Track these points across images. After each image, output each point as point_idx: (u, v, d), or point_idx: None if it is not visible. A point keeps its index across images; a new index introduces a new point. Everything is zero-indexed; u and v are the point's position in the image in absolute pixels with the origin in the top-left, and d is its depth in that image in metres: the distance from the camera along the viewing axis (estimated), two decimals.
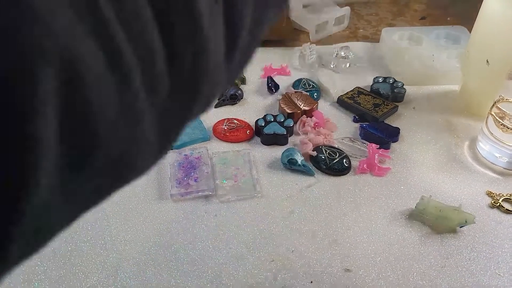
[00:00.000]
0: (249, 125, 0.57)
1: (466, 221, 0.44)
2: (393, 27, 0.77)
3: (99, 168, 0.15)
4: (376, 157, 0.51)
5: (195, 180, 0.48)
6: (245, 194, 0.48)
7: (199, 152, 0.52)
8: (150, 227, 0.44)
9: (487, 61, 0.53)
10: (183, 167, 0.50)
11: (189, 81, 0.17)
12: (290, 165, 0.51)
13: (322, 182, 0.50)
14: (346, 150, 0.53)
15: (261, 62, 0.69)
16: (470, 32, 0.59)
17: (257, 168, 0.51)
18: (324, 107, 0.61)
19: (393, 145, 0.55)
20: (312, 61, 0.68)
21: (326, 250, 0.43)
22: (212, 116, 0.59)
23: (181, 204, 0.47)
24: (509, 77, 0.49)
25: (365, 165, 0.51)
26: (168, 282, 0.40)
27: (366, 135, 0.55)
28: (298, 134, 0.56)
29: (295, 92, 0.60)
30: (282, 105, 0.58)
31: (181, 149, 0.53)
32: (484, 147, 0.53)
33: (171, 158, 0.51)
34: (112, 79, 0.14)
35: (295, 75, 0.67)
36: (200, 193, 0.47)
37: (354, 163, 0.52)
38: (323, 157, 0.51)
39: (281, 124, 0.55)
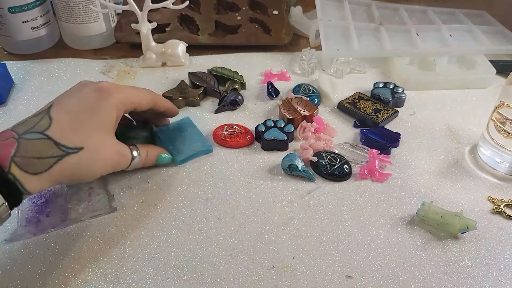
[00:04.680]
0: (249, 130, 0.57)
1: (467, 227, 0.43)
2: None
3: None
4: (376, 162, 0.51)
5: (47, 216, 0.45)
6: (99, 212, 0.46)
7: None
8: None
9: None
10: (33, 203, 0.46)
11: None
12: (290, 170, 0.50)
13: (322, 188, 0.50)
14: (347, 155, 0.53)
15: (261, 68, 0.69)
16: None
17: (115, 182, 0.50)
18: (325, 113, 0.61)
19: (393, 150, 0.54)
20: (312, 67, 0.68)
21: (327, 257, 0.42)
22: (212, 122, 0.59)
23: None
24: (509, 82, 0.49)
25: (365, 171, 0.51)
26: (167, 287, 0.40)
27: (366, 141, 0.55)
28: (298, 139, 0.56)
29: (295, 97, 0.60)
30: (282, 111, 0.58)
31: None
32: (485, 153, 0.53)
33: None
34: None
35: (295, 81, 0.67)
36: (54, 228, 0.44)
37: (355, 168, 0.52)
38: (323, 163, 0.51)
39: (281, 129, 0.55)
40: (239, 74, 0.66)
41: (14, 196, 0.36)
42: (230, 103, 0.60)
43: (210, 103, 0.63)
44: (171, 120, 0.58)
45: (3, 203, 0.36)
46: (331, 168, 0.51)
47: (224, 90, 0.63)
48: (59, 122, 0.40)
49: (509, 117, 0.48)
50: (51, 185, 0.39)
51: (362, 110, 0.59)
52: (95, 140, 0.41)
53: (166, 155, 0.51)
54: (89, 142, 0.40)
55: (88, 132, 0.41)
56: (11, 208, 0.37)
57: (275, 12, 0.80)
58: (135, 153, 0.47)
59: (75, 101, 0.42)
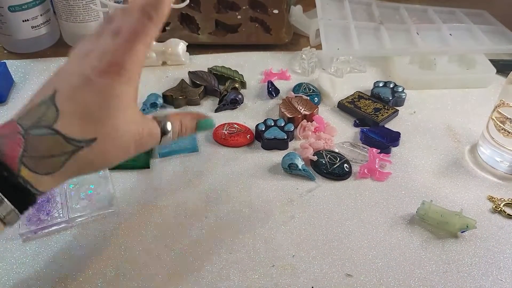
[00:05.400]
0: (249, 129, 0.57)
1: (467, 226, 0.43)
2: None
3: None
4: (376, 161, 0.51)
5: (48, 214, 0.45)
6: (100, 211, 0.46)
7: None
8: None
9: None
10: None
11: None
12: (290, 169, 0.50)
13: (322, 187, 0.50)
14: (347, 154, 0.53)
15: (261, 67, 0.70)
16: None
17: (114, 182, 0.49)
18: (325, 112, 0.61)
19: (393, 149, 0.54)
20: (312, 66, 0.68)
21: (327, 255, 0.42)
22: None
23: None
24: (509, 82, 0.49)
25: (365, 170, 0.51)
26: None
27: (366, 140, 0.55)
28: (298, 138, 0.56)
29: (296, 96, 0.60)
30: (283, 110, 0.58)
31: None
32: (485, 152, 0.53)
33: None
34: None
35: (295, 80, 0.67)
36: (54, 227, 0.44)
37: (355, 167, 0.52)
38: (323, 162, 0.51)
39: (281, 128, 0.55)
40: (239, 73, 0.66)
41: (25, 199, 0.34)
42: (230, 102, 0.60)
43: (210, 102, 0.63)
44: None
45: (11, 210, 0.33)
46: (331, 167, 0.51)
47: (224, 89, 0.63)
48: (67, 113, 0.34)
49: (509, 116, 0.48)
50: (66, 180, 0.36)
51: (362, 109, 0.59)
52: (109, 126, 0.36)
53: (205, 121, 0.43)
54: (103, 130, 0.35)
55: (100, 119, 0.35)
56: (23, 212, 0.34)
57: (275, 11, 0.80)
58: (168, 127, 0.40)
59: (83, 90, 0.35)
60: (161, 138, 0.39)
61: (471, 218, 0.44)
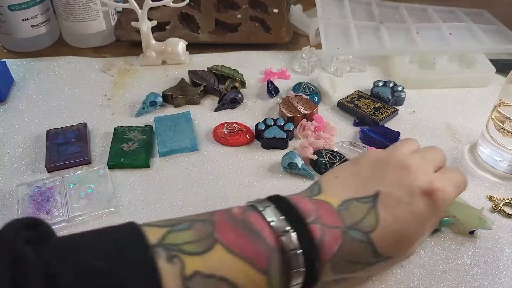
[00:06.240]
0: (249, 129, 0.57)
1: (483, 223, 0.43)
2: None
3: None
4: None
5: (48, 213, 0.45)
6: (99, 210, 0.46)
7: (52, 182, 0.48)
8: None
9: None
10: (33, 201, 0.46)
11: None
12: (290, 169, 0.50)
13: None
14: (347, 154, 0.53)
15: (261, 66, 0.70)
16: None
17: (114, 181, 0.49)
18: (324, 111, 0.61)
19: None
20: (312, 65, 0.68)
21: None
22: (212, 120, 0.59)
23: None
24: (509, 81, 0.49)
25: None
26: None
27: (366, 139, 0.55)
28: (298, 138, 0.56)
29: (295, 95, 0.60)
30: (282, 109, 0.58)
31: (33, 181, 0.48)
32: (485, 151, 0.53)
33: (20, 193, 0.47)
34: None
35: (295, 79, 0.67)
36: (54, 226, 0.43)
37: None
38: (323, 161, 0.51)
39: (281, 127, 0.55)
40: (239, 72, 0.66)
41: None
42: (230, 101, 0.60)
43: (210, 102, 0.63)
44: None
45: (297, 284, 0.31)
46: (330, 167, 0.51)
47: (224, 89, 0.63)
48: (385, 227, 0.34)
49: (508, 116, 0.48)
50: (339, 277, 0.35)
51: (362, 109, 0.59)
52: (410, 250, 0.36)
53: (448, 219, 0.44)
54: (400, 251, 0.35)
55: (408, 246, 0.35)
56: None
57: (275, 10, 0.80)
58: None
59: (403, 204, 0.34)
60: None
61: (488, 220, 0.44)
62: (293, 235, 0.31)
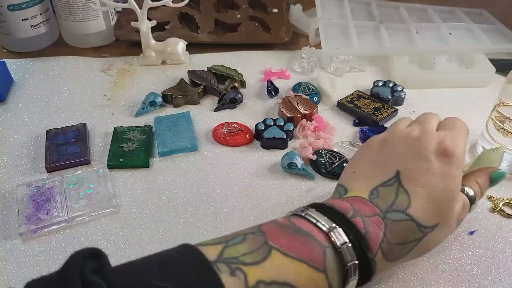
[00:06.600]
0: (248, 129, 0.57)
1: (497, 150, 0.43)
2: None
3: None
4: None
5: (47, 213, 0.45)
6: (99, 210, 0.46)
7: (51, 182, 0.48)
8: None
9: None
10: (33, 201, 0.46)
11: None
12: (290, 169, 0.50)
13: (322, 186, 0.50)
14: (346, 154, 0.53)
15: (261, 66, 0.69)
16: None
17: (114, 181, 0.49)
18: (324, 111, 0.61)
19: None
20: (311, 65, 0.68)
21: None
22: (211, 120, 0.59)
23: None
24: (509, 81, 0.49)
25: None
26: None
27: (366, 139, 0.55)
28: (298, 138, 0.56)
29: (295, 95, 0.60)
30: (282, 109, 0.58)
31: (32, 182, 0.48)
32: None
33: (20, 193, 0.47)
34: None
35: (295, 79, 0.67)
36: (54, 226, 0.44)
37: None
38: (323, 161, 0.51)
39: (281, 128, 0.55)
40: (239, 72, 0.66)
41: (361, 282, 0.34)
42: (229, 101, 0.60)
43: (210, 102, 0.63)
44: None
45: (354, 277, 0.33)
46: (330, 167, 0.51)
47: (224, 89, 0.63)
48: (417, 199, 0.35)
49: (508, 116, 0.48)
50: (396, 266, 0.36)
51: (361, 109, 0.59)
52: (449, 211, 0.37)
53: (497, 173, 0.42)
54: (443, 215, 0.36)
55: (447, 207, 0.36)
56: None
57: (275, 10, 0.80)
58: (470, 193, 0.40)
59: (424, 171, 0.36)
60: (470, 207, 0.40)
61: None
62: (340, 230, 0.32)
